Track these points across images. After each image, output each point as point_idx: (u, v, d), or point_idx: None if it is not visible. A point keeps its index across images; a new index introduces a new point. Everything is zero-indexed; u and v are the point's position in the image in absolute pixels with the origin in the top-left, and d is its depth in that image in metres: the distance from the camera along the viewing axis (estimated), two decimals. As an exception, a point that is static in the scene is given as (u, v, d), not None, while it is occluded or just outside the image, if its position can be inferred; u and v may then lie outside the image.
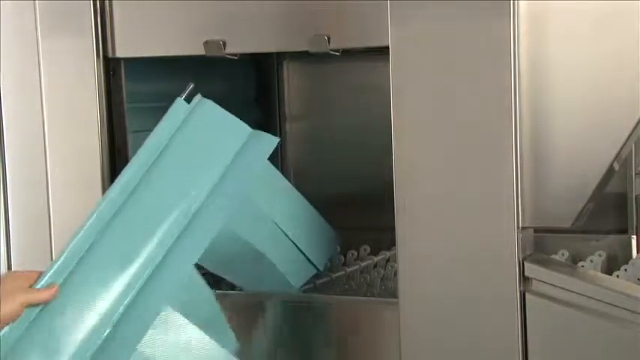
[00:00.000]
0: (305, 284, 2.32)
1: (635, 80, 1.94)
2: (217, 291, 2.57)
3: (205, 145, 1.89)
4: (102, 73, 2.35)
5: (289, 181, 3.15)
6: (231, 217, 1.89)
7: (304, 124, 3.16)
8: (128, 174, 1.86)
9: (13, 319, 1.64)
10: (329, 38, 2.14)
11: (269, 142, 1.93)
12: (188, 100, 1.97)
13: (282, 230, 2.08)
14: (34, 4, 2.37)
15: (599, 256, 2.74)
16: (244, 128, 1.92)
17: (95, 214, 1.83)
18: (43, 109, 2.38)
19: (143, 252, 1.79)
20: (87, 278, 1.75)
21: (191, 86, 1.94)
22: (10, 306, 1.63)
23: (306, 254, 2.14)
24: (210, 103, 1.93)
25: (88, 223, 1.83)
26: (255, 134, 1.93)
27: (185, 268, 1.81)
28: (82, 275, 1.76)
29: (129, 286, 1.76)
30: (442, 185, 2.04)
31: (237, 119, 1.93)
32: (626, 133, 1.96)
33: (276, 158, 3.13)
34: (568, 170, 1.99)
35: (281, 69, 3.13)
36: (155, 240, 1.80)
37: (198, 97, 1.93)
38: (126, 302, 1.75)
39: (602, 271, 2.65)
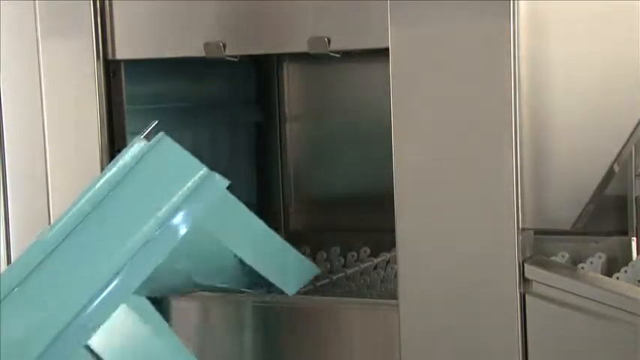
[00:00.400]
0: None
1: (635, 81, 1.94)
2: (213, 293, 2.58)
3: (159, 181, 1.89)
4: (102, 75, 2.35)
5: (289, 180, 3.17)
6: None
7: (304, 125, 3.16)
8: (78, 208, 1.87)
9: None
10: (329, 40, 2.14)
11: (220, 183, 1.92)
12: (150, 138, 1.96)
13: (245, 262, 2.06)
14: (34, 6, 2.37)
15: (599, 257, 2.74)
16: (199, 167, 1.91)
17: (39, 246, 1.84)
18: (43, 111, 2.38)
19: (86, 281, 1.81)
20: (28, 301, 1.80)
21: (153, 124, 1.94)
22: None
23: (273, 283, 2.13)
24: (169, 141, 1.92)
25: (34, 250, 1.84)
26: (210, 174, 1.91)
27: (123, 300, 1.83)
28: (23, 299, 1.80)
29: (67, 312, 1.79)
30: (442, 187, 2.04)
31: (193, 158, 1.91)
32: (627, 135, 1.96)
33: (277, 159, 3.14)
34: (568, 172, 1.99)
35: (281, 70, 3.13)
36: (98, 272, 1.82)
37: (160, 135, 1.91)
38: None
39: (602, 273, 2.65)
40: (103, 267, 1.83)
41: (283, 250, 2.10)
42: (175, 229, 1.85)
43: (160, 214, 1.85)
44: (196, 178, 1.89)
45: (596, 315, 1.97)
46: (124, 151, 1.92)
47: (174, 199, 1.86)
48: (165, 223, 1.85)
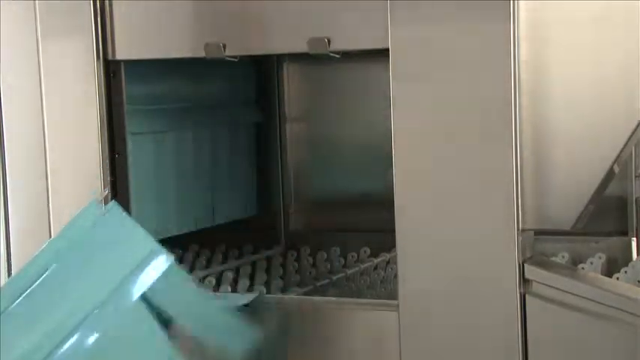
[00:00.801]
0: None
1: (635, 83, 1.94)
2: (217, 293, 2.58)
3: (107, 252, 1.84)
4: (102, 75, 2.35)
5: (289, 181, 3.17)
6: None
7: (304, 125, 3.16)
8: (27, 272, 1.82)
9: None
10: (329, 40, 2.14)
11: (164, 259, 1.84)
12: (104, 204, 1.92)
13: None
14: (35, 6, 2.37)
15: (599, 258, 2.74)
16: (149, 242, 1.85)
17: None
18: (43, 111, 2.38)
19: (27, 348, 1.77)
20: None
21: (107, 192, 1.90)
22: None
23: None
24: (119, 212, 1.88)
25: None
26: (157, 249, 1.85)
27: None
28: None
29: None
30: (442, 188, 2.04)
31: (143, 231, 1.86)
32: (626, 136, 1.96)
33: (276, 160, 3.14)
34: (568, 173, 1.99)
35: (281, 71, 3.13)
36: (43, 340, 1.77)
37: (111, 204, 1.89)
38: None
39: (602, 274, 2.65)
40: (43, 342, 1.76)
41: (228, 319, 2.05)
42: (118, 304, 1.79)
43: (104, 291, 1.78)
44: (144, 253, 1.82)
45: (596, 315, 1.97)
46: (76, 216, 1.86)
47: (121, 273, 1.80)
48: (107, 301, 1.78)
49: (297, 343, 2.25)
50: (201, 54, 2.25)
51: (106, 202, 1.87)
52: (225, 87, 3.04)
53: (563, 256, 2.76)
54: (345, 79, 3.07)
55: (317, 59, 2.64)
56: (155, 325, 1.86)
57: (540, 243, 2.19)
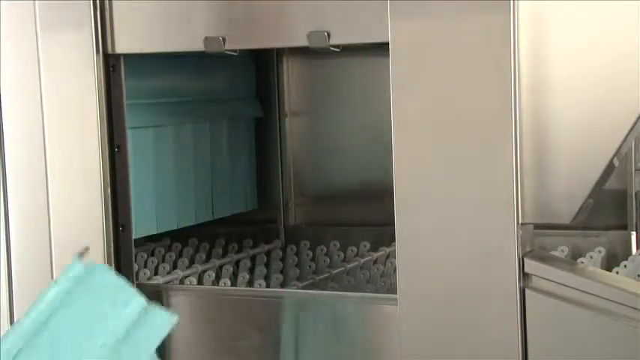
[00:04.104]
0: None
1: (635, 76, 1.94)
2: (215, 287, 2.58)
3: (94, 315, 1.74)
4: (101, 69, 2.34)
5: (289, 175, 3.17)
6: None
7: (304, 120, 3.16)
8: (9, 340, 1.76)
9: None
10: (329, 34, 2.14)
11: (166, 319, 1.76)
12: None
13: None
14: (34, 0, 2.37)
15: (599, 252, 2.75)
16: (139, 301, 1.75)
17: None
18: (42, 105, 2.38)
19: None
20: None
21: (87, 247, 1.83)
22: None
23: None
24: (104, 270, 1.78)
25: None
26: (150, 309, 1.75)
27: None
28: None
29: None
30: (442, 181, 2.04)
31: (132, 290, 1.76)
32: (626, 130, 1.96)
33: (276, 154, 3.14)
34: (568, 166, 1.99)
35: (281, 65, 3.13)
36: None
37: (92, 263, 1.76)
38: None
39: (601, 268, 2.66)
40: None
41: None
42: None
43: (102, 345, 1.71)
44: (136, 310, 1.74)
45: (596, 309, 1.97)
46: (59, 276, 1.75)
47: (115, 329, 1.72)
48: None
49: (295, 337, 2.25)
50: (201, 48, 2.25)
51: (84, 256, 1.82)
52: (225, 81, 3.04)
53: (562, 250, 2.76)
54: (345, 74, 3.07)
55: (317, 53, 2.64)
56: None
57: (540, 237, 2.19)
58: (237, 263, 2.89)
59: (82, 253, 1.78)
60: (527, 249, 2.04)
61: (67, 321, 1.73)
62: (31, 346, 1.71)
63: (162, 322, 1.75)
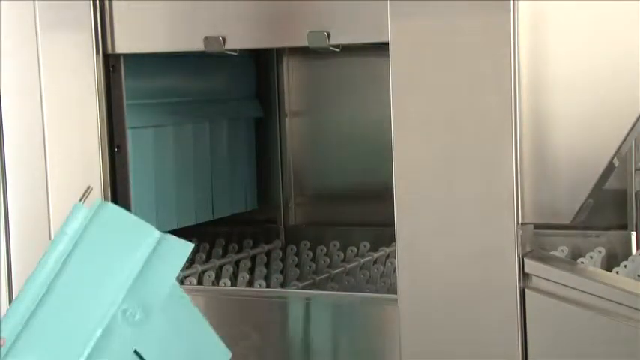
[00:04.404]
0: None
1: (635, 77, 1.94)
2: (215, 287, 2.58)
3: (110, 252, 1.73)
4: (101, 69, 2.34)
5: (289, 175, 3.17)
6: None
7: (304, 119, 3.16)
8: (29, 291, 1.69)
9: None
10: (329, 34, 2.14)
11: (182, 247, 1.75)
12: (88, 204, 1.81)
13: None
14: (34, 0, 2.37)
15: (599, 252, 2.75)
16: (152, 232, 1.75)
17: None
18: (42, 106, 2.38)
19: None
20: None
21: (90, 190, 1.82)
22: None
23: None
24: (112, 207, 1.77)
25: None
26: (165, 238, 1.76)
27: None
28: None
29: None
30: (442, 181, 2.04)
31: (143, 222, 1.76)
32: (626, 130, 1.96)
33: (276, 154, 3.14)
34: (568, 166, 1.99)
35: (281, 65, 3.13)
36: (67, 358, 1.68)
37: (97, 201, 1.77)
38: None
39: (601, 268, 2.66)
40: (65, 354, 1.66)
41: (207, 333, 1.97)
42: (140, 298, 1.70)
43: (121, 283, 1.70)
44: (150, 241, 1.74)
45: (596, 309, 1.97)
46: (67, 218, 1.75)
47: (133, 263, 1.71)
48: (127, 294, 1.69)
49: (295, 337, 2.25)
50: (201, 48, 2.25)
51: (88, 197, 1.80)
52: (225, 81, 3.04)
53: (562, 250, 2.76)
54: (345, 73, 3.07)
55: (317, 53, 2.64)
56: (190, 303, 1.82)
57: (540, 237, 2.19)
58: (237, 263, 2.89)
59: (85, 196, 1.77)
60: (527, 249, 2.04)
61: (82, 266, 1.72)
62: (50, 295, 1.71)
63: (178, 250, 1.75)
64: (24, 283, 1.69)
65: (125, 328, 1.67)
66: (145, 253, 1.72)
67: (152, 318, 1.70)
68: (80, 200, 1.77)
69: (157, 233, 1.74)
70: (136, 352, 1.69)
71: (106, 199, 2.35)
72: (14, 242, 2.45)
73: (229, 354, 1.89)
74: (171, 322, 1.76)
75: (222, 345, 1.88)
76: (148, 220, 2.62)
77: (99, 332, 1.66)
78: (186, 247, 1.75)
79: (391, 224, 2.09)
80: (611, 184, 2.64)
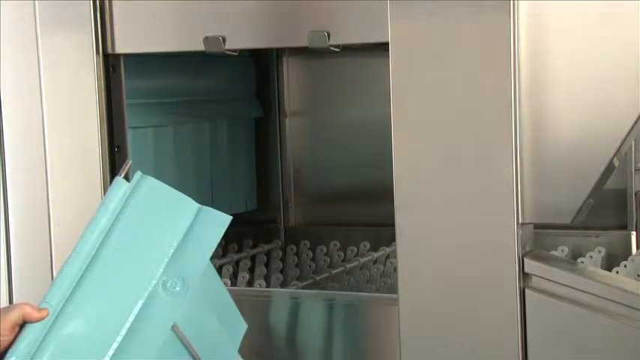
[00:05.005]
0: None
1: (634, 77, 1.94)
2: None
3: (151, 224, 1.74)
4: (101, 69, 2.35)
5: (289, 175, 3.17)
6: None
7: (304, 119, 3.16)
8: (74, 262, 1.72)
9: (8, 331, 1.66)
10: (329, 34, 2.14)
11: (221, 219, 1.77)
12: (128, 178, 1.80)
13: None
14: (34, 0, 2.37)
15: (599, 252, 2.75)
16: (191, 204, 1.78)
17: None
18: (42, 106, 2.38)
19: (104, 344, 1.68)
20: None
21: (129, 163, 1.81)
22: (9, 313, 1.67)
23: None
24: (151, 180, 1.79)
25: (30, 333, 1.67)
26: (204, 210, 1.78)
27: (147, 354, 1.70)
28: None
29: None
30: (442, 181, 2.04)
31: (182, 195, 1.79)
32: (626, 130, 1.96)
33: (276, 154, 3.14)
34: (568, 167, 1.99)
35: (281, 65, 3.14)
36: (109, 328, 1.69)
37: (138, 175, 1.79)
38: None
39: (601, 267, 2.66)
40: (108, 328, 1.68)
41: (231, 307, 1.94)
42: (181, 270, 1.71)
43: (163, 253, 1.72)
44: (190, 214, 1.76)
45: (596, 309, 1.97)
46: (106, 195, 1.76)
47: (173, 235, 1.73)
48: (169, 266, 1.71)
49: (295, 336, 2.25)
50: (201, 48, 2.25)
51: (128, 173, 1.82)
52: (225, 81, 3.04)
53: (562, 250, 2.76)
54: (345, 73, 3.07)
55: (317, 53, 2.64)
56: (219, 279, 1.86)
57: (540, 237, 2.19)
58: (237, 263, 2.90)
59: (125, 170, 1.79)
60: (527, 249, 2.04)
61: (123, 238, 1.73)
62: (93, 267, 1.71)
63: (217, 222, 1.77)
64: (68, 256, 1.72)
65: (165, 300, 1.69)
66: (185, 226, 1.75)
67: (191, 290, 1.71)
68: (119, 174, 1.78)
69: (196, 206, 1.77)
70: (172, 328, 1.71)
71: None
72: (14, 241, 2.45)
73: (246, 326, 1.92)
74: (204, 296, 1.79)
75: (241, 318, 1.92)
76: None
77: (140, 303, 1.69)
78: (225, 219, 1.77)
79: (391, 224, 2.09)
80: (611, 184, 2.64)
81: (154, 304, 1.69)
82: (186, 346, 1.73)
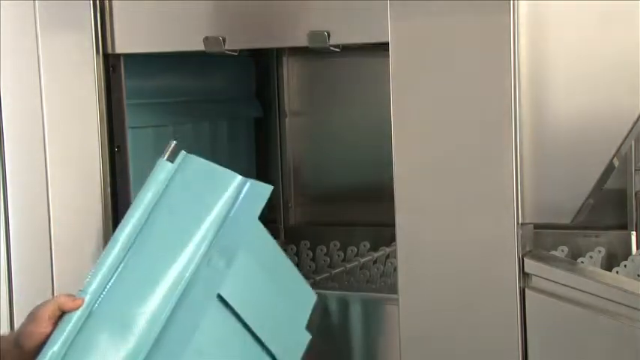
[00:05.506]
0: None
1: (635, 77, 1.94)
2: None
3: (194, 203, 1.79)
4: (101, 69, 2.35)
5: (289, 175, 3.17)
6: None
7: (304, 119, 3.16)
8: (111, 251, 1.75)
9: (46, 323, 1.71)
10: (329, 34, 2.14)
11: (263, 189, 1.83)
12: (172, 159, 1.85)
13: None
14: (34, 0, 2.37)
15: (599, 252, 2.75)
16: (234, 178, 1.83)
17: (93, 278, 1.74)
18: (42, 106, 2.38)
19: (143, 318, 1.72)
20: None
21: (173, 144, 1.84)
22: (46, 306, 1.72)
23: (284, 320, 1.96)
24: (195, 159, 1.84)
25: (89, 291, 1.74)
26: (247, 182, 1.83)
27: (186, 340, 1.75)
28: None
29: None
30: (442, 181, 2.04)
31: (225, 170, 1.84)
32: (626, 130, 1.96)
33: (276, 154, 3.14)
34: (568, 166, 1.99)
35: (281, 65, 3.13)
36: (154, 306, 1.73)
37: (182, 154, 1.83)
38: None
39: (601, 267, 2.66)
40: (152, 301, 1.72)
41: (293, 275, 1.99)
42: (227, 241, 1.76)
43: (207, 230, 1.76)
44: (233, 187, 1.81)
45: (596, 309, 1.97)
46: (151, 175, 1.81)
47: (217, 211, 1.77)
48: (215, 240, 1.75)
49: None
50: (201, 48, 2.25)
51: (173, 153, 1.85)
52: (225, 81, 3.04)
53: (562, 250, 2.76)
54: (345, 73, 3.07)
55: (317, 53, 2.64)
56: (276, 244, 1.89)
57: (540, 237, 2.19)
58: (237, 263, 2.89)
59: (168, 151, 1.82)
60: (527, 249, 2.04)
61: (168, 217, 1.77)
62: (138, 244, 1.75)
63: (259, 193, 1.82)
64: (114, 233, 1.76)
65: (209, 275, 1.72)
66: (229, 201, 1.79)
67: (234, 264, 1.74)
68: (162, 156, 1.81)
69: (239, 178, 1.81)
70: (219, 295, 1.74)
71: (105, 198, 2.35)
72: (14, 242, 2.45)
73: (315, 296, 1.92)
74: (256, 264, 1.81)
75: (308, 287, 1.93)
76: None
77: (185, 280, 1.72)
78: (267, 189, 1.82)
79: (391, 224, 2.09)
80: (611, 184, 2.64)
81: (197, 281, 1.73)
82: (239, 317, 1.77)
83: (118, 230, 1.78)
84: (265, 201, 1.81)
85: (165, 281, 1.71)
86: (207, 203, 1.78)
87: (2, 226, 2.45)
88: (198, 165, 1.83)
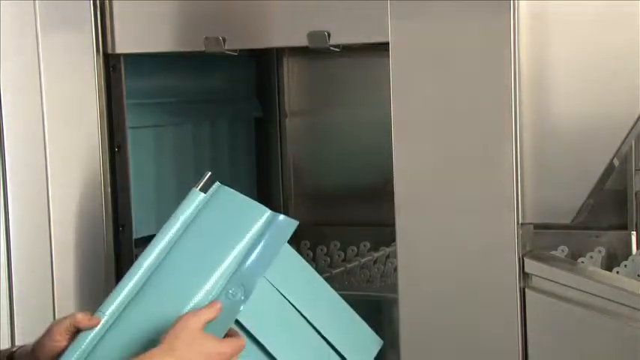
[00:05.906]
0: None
1: (634, 77, 1.94)
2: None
3: (220, 235, 1.78)
4: (102, 69, 2.35)
5: (289, 175, 3.17)
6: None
7: (304, 120, 3.16)
8: (132, 276, 1.76)
9: (61, 336, 1.73)
10: (329, 34, 2.14)
11: (289, 225, 1.82)
12: (205, 189, 1.85)
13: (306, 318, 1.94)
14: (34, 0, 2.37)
15: (599, 252, 2.75)
16: (263, 212, 1.81)
17: (115, 300, 1.74)
18: (42, 105, 2.38)
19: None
20: None
21: (207, 175, 1.84)
22: (62, 320, 1.74)
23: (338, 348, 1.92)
24: (227, 191, 1.83)
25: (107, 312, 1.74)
26: (274, 216, 1.81)
27: None
28: None
29: None
30: (442, 181, 2.04)
31: (255, 203, 1.82)
32: (626, 130, 1.96)
33: (276, 154, 3.14)
34: (568, 166, 1.99)
35: (281, 65, 3.13)
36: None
37: (216, 185, 1.83)
38: None
39: (601, 267, 2.66)
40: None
41: (350, 316, 1.95)
42: (250, 272, 1.75)
43: (230, 262, 1.75)
44: (262, 221, 1.79)
45: (596, 309, 1.97)
46: (182, 204, 1.82)
47: (243, 244, 1.76)
48: (237, 271, 1.74)
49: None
50: (201, 48, 2.25)
51: (207, 185, 1.85)
52: (225, 81, 3.04)
53: (562, 250, 2.76)
54: (346, 73, 3.07)
55: (317, 53, 2.64)
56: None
57: (540, 237, 2.19)
58: (237, 263, 2.89)
59: (202, 182, 1.82)
60: (528, 249, 2.04)
61: (191, 247, 1.76)
62: (159, 272, 1.75)
63: (285, 229, 1.81)
64: (137, 259, 1.77)
65: (226, 305, 1.71)
66: (255, 234, 1.78)
67: (253, 294, 1.74)
68: (196, 187, 1.82)
69: (268, 212, 1.80)
70: (237, 321, 1.74)
71: (106, 198, 2.35)
72: (14, 241, 2.44)
73: (381, 342, 1.95)
74: (278, 294, 1.82)
75: (373, 334, 1.94)
76: (147, 220, 2.64)
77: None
78: (292, 224, 1.81)
79: (391, 224, 2.09)
80: (611, 184, 2.64)
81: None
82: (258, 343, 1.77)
83: (142, 255, 1.78)
84: (289, 236, 1.81)
85: (183, 311, 1.71)
86: (234, 235, 1.78)
87: (2, 226, 2.45)
88: (230, 196, 1.83)
